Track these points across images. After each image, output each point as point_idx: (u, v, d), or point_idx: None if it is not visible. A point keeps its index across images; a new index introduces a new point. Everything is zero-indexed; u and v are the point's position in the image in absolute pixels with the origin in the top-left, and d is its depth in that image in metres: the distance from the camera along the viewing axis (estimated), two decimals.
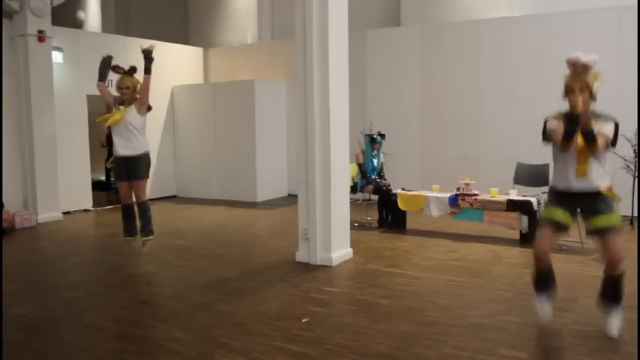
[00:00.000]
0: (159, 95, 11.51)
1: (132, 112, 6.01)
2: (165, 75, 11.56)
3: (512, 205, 6.83)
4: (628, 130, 7.87)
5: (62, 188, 9.31)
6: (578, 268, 5.69)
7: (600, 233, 3.79)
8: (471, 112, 9.54)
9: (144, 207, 6.25)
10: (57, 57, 9.47)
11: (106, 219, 9.40)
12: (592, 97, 3.80)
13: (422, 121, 10.08)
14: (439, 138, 9.90)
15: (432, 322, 4.24)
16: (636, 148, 7.79)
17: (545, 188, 7.33)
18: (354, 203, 6.73)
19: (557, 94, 9.22)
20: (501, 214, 6.91)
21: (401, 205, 7.76)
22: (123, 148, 6.02)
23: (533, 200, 6.81)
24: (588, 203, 3.81)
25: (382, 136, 8.31)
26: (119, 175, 6.16)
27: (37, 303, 4.94)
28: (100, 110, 13.23)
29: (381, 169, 8.40)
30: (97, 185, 11.56)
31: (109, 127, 6.07)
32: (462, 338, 3.92)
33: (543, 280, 3.98)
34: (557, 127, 3.91)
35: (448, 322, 4.23)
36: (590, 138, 3.66)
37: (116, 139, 6.04)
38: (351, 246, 6.36)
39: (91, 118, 10.46)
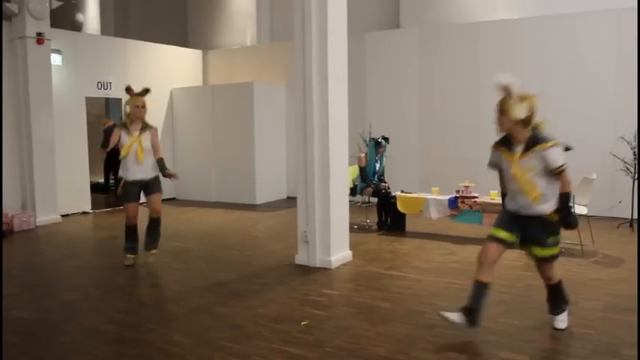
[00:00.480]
0: (158, 98, 11.50)
1: (146, 138, 6.03)
2: (164, 77, 11.58)
3: None
4: (627, 132, 7.88)
5: (61, 191, 9.29)
6: (577, 271, 5.69)
7: (537, 260, 3.98)
8: (470, 115, 9.54)
9: (158, 222, 6.33)
10: (56, 59, 9.46)
11: (104, 221, 9.39)
12: (521, 121, 3.81)
13: (421, 123, 10.07)
14: (438, 140, 9.89)
15: (432, 324, 4.22)
16: (636, 150, 7.79)
17: None
18: (353, 206, 6.72)
19: (556, 96, 9.30)
20: None
21: (400, 208, 7.75)
22: (137, 172, 6.03)
23: None
24: (532, 229, 3.86)
25: (386, 139, 8.30)
26: (129, 197, 6.14)
27: (35, 306, 4.92)
28: (97, 112, 13.27)
29: (382, 172, 8.39)
30: (95, 188, 11.55)
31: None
32: (461, 341, 3.91)
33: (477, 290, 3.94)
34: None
35: (447, 324, 4.21)
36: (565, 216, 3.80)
37: (129, 164, 6.00)
38: (351, 248, 6.35)
39: (89, 120, 10.48)
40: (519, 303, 4.71)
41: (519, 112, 3.75)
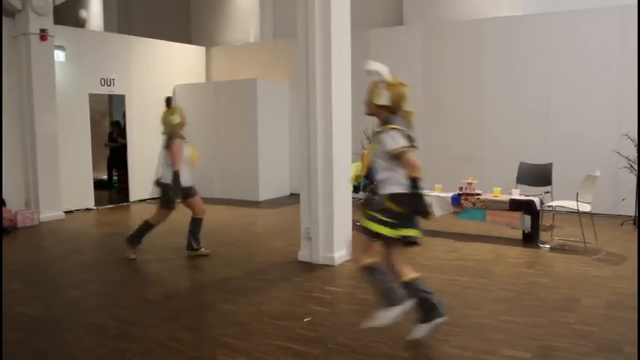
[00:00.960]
0: (161, 94, 11.47)
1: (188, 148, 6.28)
2: (167, 74, 11.58)
3: (515, 205, 6.80)
4: (631, 129, 7.85)
5: (64, 187, 9.31)
6: (581, 268, 5.67)
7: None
8: (473, 112, 9.53)
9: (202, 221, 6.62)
10: (59, 56, 9.48)
11: (107, 218, 9.40)
12: (384, 107, 3.80)
13: (424, 120, 10.04)
14: (442, 137, 9.87)
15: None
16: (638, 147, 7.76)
17: (549, 188, 7.37)
18: (356, 202, 6.69)
19: (559, 93, 9.28)
20: (504, 213, 6.89)
21: None
22: (190, 177, 6.34)
23: (536, 200, 6.79)
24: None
25: None
26: (194, 192, 6.45)
27: (38, 302, 4.94)
28: (101, 109, 13.28)
29: None
30: (99, 184, 11.57)
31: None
32: (464, 338, 3.91)
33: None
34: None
35: (450, 321, 4.20)
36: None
37: (186, 170, 6.23)
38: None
39: (92, 117, 10.49)
40: (522, 301, 4.71)
41: (381, 98, 3.78)
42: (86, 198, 10.13)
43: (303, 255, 6.13)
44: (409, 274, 3.88)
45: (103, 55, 10.38)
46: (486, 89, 9.43)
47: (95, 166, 10.52)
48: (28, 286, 5.42)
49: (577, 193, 6.40)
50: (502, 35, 9.27)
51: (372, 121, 4.07)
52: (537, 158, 8.06)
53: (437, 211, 7.42)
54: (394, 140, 3.69)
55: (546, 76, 8.89)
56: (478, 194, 7.15)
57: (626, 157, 7.89)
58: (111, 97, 12.98)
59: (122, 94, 10.78)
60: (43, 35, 8.80)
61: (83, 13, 12.54)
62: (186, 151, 6.21)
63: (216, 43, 13.14)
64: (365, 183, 8.10)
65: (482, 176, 8.30)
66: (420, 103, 10.05)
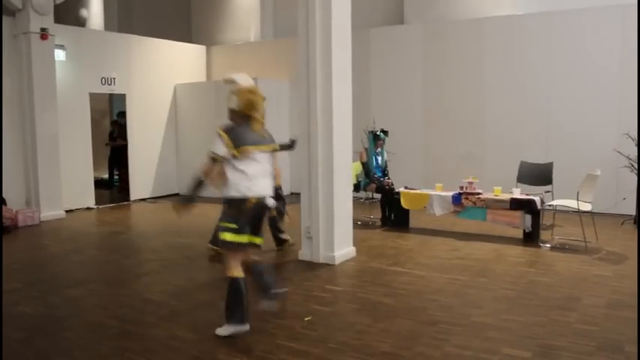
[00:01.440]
0: (161, 93, 11.52)
1: None
2: (167, 73, 11.57)
3: (516, 204, 6.81)
4: (632, 128, 7.84)
5: (65, 186, 9.31)
6: (581, 268, 5.67)
7: None
8: (474, 111, 9.52)
9: None
10: (60, 55, 9.47)
11: (108, 217, 9.40)
12: (235, 111, 4.09)
13: (425, 119, 10.05)
14: (442, 136, 9.87)
15: (436, 320, 4.23)
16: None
17: (549, 187, 7.37)
18: (356, 202, 6.72)
19: (560, 92, 9.28)
20: (505, 212, 6.89)
21: (404, 204, 7.74)
22: None
23: (537, 199, 6.79)
24: None
25: (385, 132, 8.26)
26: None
27: (39, 301, 4.94)
28: (101, 108, 13.29)
29: (386, 167, 8.36)
30: (99, 183, 11.57)
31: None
32: (465, 337, 3.90)
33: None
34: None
35: (451, 320, 4.22)
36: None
37: None
38: (354, 244, 6.34)
39: (93, 116, 10.49)
40: (523, 300, 4.70)
41: (230, 102, 4.08)
42: (87, 197, 10.13)
43: (304, 254, 6.13)
44: (236, 271, 3.92)
45: (104, 54, 10.37)
46: (487, 88, 9.42)
47: (96, 165, 10.51)
48: (29, 285, 5.42)
49: (578, 193, 6.39)
50: (503, 34, 9.26)
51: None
52: (538, 157, 8.06)
53: (437, 210, 7.42)
54: (214, 144, 3.99)
55: (547, 75, 8.88)
56: (479, 193, 7.15)
57: (627, 157, 7.88)
58: (111, 96, 12.98)
59: (123, 93, 10.78)
60: (44, 34, 8.80)
61: (84, 12, 12.54)
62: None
63: (217, 42, 13.14)
64: (365, 182, 8.14)
65: (483, 175, 8.30)
66: (421, 102, 10.06)
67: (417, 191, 7.79)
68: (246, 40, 12.77)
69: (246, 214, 3.90)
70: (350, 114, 6.15)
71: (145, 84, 11.02)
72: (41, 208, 8.86)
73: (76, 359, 3.71)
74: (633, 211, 7.89)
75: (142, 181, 10.91)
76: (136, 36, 11.17)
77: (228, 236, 3.89)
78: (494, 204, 6.95)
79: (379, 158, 8.23)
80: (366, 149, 8.21)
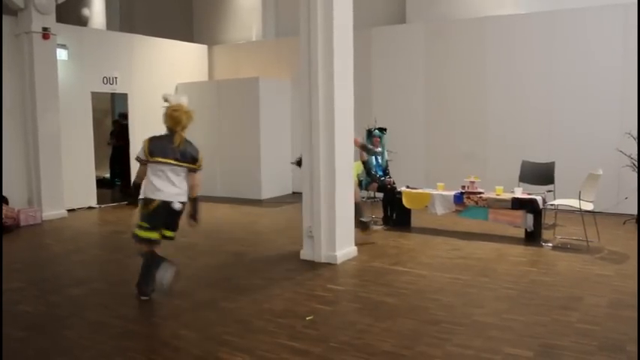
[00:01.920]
0: (163, 92, 11.48)
1: None
2: (169, 72, 11.58)
3: (518, 204, 6.80)
4: (634, 128, 7.84)
5: (67, 185, 9.32)
6: (583, 267, 5.67)
7: None
8: (476, 110, 9.51)
9: None
10: (61, 54, 9.48)
11: (110, 216, 9.41)
12: (167, 126, 4.79)
13: (427, 118, 10.05)
14: (444, 135, 9.87)
15: (437, 320, 4.22)
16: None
17: (551, 186, 7.36)
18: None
19: (562, 92, 9.26)
20: (506, 212, 6.89)
21: (406, 203, 7.74)
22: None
23: (539, 198, 6.78)
24: None
25: (382, 130, 8.21)
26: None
27: (41, 300, 4.95)
28: (103, 107, 13.29)
29: (386, 166, 8.34)
30: (101, 183, 11.58)
31: None
32: (466, 336, 3.90)
33: None
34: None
35: (453, 320, 4.22)
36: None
37: None
38: (356, 244, 6.35)
39: (95, 116, 10.50)
40: (524, 299, 4.70)
41: (164, 118, 4.76)
42: (89, 196, 10.14)
43: (306, 253, 6.13)
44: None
45: (106, 53, 10.38)
46: (489, 87, 9.42)
47: (97, 165, 10.52)
48: (31, 284, 5.43)
49: (579, 192, 6.39)
50: (505, 33, 9.25)
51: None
52: (540, 157, 8.05)
53: (439, 209, 7.42)
54: (140, 149, 4.72)
55: (549, 75, 8.87)
56: (480, 193, 7.14)
57: (629, 156, 7.88)
58: (113, 95, 12.99)
59: (124, 92, 10.79)
60: (46, 34, 8.81)
61: (86, 12, 12.55)
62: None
63: (219, 42, 13.15)
64: (367, 181, 8.13)
65: (485, 175, 8.29)
66: (423, 102, 10.06)
67: (419, 190, 7.78)
68: (247, 40, 12.77)
69: (154, 213, 4.62)
70: (352, 113, 6.14)
71: (147, 83, 11.02)
72: (43, 208, 8.87)
73: (77, 358, 3.71)
74: (635, 211, 7.87)
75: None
76: (137, 35, 11.18)
77: (140, 232, 4.66)
78: (496, 203, 6.94)
79: (379, 157, 8.21)
80: (363, 144, 8.11)
